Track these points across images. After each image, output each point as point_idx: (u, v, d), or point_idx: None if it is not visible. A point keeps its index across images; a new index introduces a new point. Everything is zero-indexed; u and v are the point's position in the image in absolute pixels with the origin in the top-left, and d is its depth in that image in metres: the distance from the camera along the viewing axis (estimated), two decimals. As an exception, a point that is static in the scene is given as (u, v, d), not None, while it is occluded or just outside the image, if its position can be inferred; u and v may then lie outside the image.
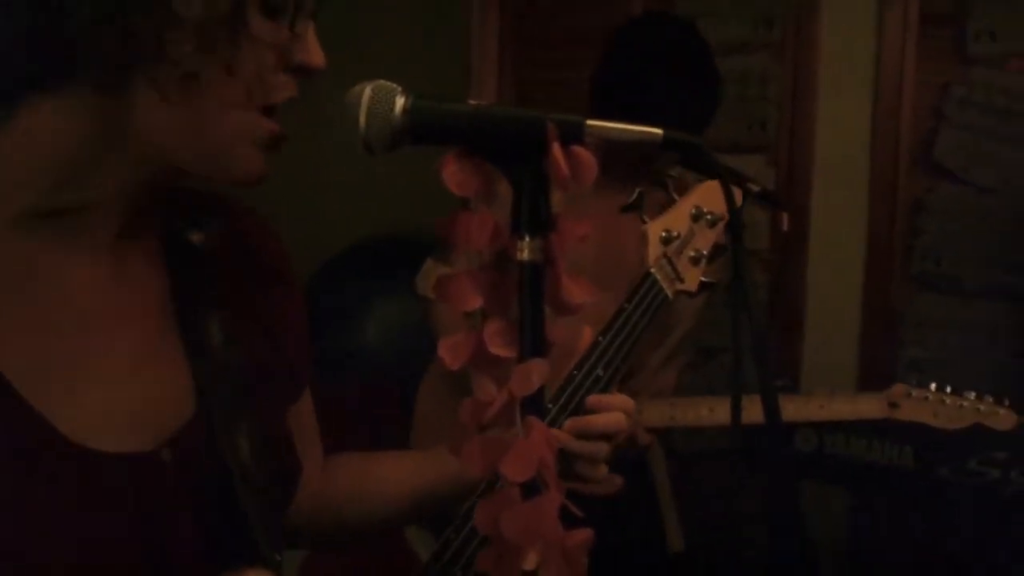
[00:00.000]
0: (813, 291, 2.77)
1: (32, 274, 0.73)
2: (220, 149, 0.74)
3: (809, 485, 2.37)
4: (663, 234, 1.35)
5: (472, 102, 0.68)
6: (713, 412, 1.80)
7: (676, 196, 1.38)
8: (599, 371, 1.18)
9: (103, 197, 0.74)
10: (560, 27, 2.96)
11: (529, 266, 0.65)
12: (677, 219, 1.37)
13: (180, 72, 0.68)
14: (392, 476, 1.07)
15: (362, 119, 0.67)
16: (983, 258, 2.61)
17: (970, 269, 2.63)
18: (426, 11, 3.28)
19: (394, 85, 0.68)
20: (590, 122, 0.66)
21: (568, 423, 1.10)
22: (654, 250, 1.35)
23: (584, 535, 0.66)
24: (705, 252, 1.36)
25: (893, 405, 1.71)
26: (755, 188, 1.41)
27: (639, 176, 1.51)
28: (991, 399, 1.67)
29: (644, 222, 1.35)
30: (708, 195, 1.38)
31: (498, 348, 0.65)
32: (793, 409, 1.76)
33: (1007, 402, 1.67)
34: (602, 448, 1.10)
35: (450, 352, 0.66)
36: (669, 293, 1.33)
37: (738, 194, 1.35)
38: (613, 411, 1.12)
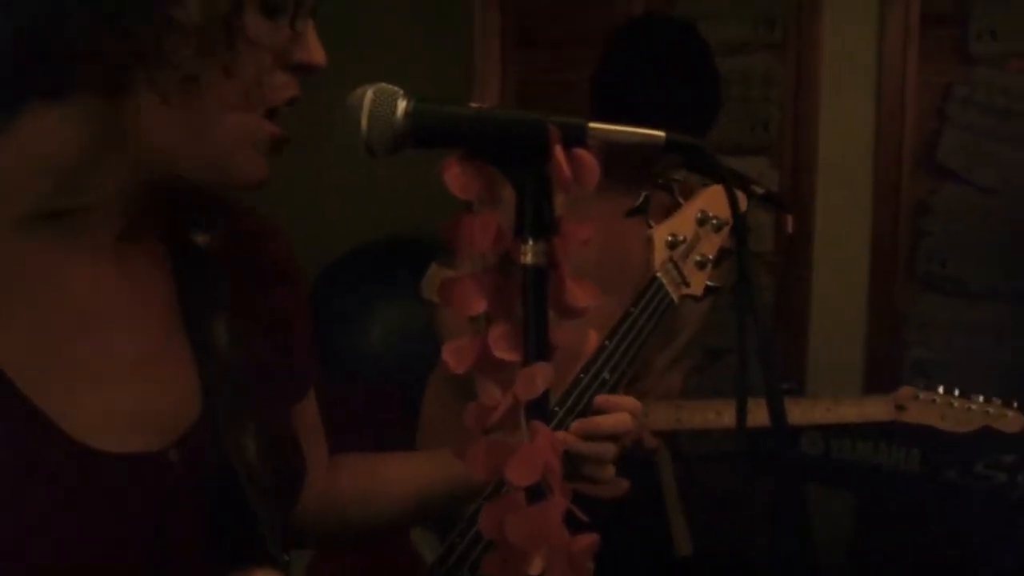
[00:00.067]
0: (818, 293, 2.76)
1: (33, 274, 0.74)
2: (221, 152, 0.74)
3: (815, 488, 2.36)
4: (669, 238, 1.35)
5: (474, 105, 0.67)
6: (720, 415, 1.79)
7: (681, 200, 1.38)
8: (605, 375, 1.18)
9: (104, 199, 0.74)
10: (562, 28, 2.96)
11: (533, 270, 0.65)
12: (683, 223, 1.36)
13: (180, 75, 0.69)
14: (398, 477, 1.07)
15: (364, 122, 0.67)
16: (988, 259, 2.61)
17: (975, 270, 2.63)
18: (428, 12, 3.28)
19: (396, 88, 0.68)
20: (592, 125, 0.66)
21: (575, 424, 1.11)
22: (660, 254, 1.34)
23: (589, 539, 0.65)
24: (711, 257, 1.36)
25: (900, 408, 1.70)
26: (759, 190, 1.40)
27: (642, 179, 1.50)
28: (999, 402, 1.67)
29: (649, 226, 1.35)
30: (714, 199, 1.37)
31: (502, 352, 0.65)
32: (799, 412, 1.76)
33: (1016, 404, 1.67)
34: (609, 449, 1.10)
35: (455, 356, 0.66)
36: (675, 297, 1.32)
37: (743, 198, 1.35)
38: (620, 412, 1.12)
